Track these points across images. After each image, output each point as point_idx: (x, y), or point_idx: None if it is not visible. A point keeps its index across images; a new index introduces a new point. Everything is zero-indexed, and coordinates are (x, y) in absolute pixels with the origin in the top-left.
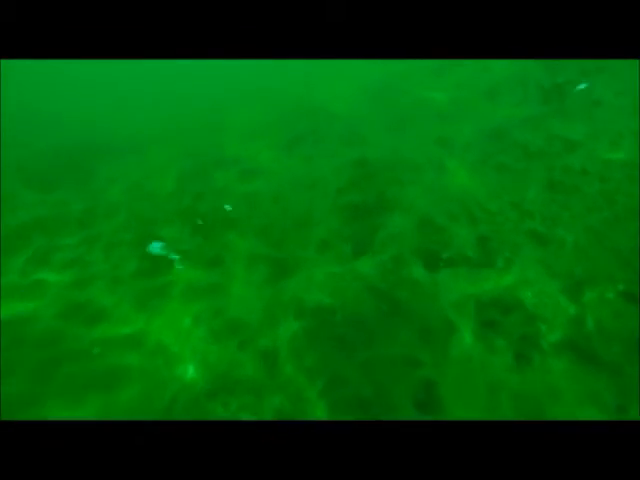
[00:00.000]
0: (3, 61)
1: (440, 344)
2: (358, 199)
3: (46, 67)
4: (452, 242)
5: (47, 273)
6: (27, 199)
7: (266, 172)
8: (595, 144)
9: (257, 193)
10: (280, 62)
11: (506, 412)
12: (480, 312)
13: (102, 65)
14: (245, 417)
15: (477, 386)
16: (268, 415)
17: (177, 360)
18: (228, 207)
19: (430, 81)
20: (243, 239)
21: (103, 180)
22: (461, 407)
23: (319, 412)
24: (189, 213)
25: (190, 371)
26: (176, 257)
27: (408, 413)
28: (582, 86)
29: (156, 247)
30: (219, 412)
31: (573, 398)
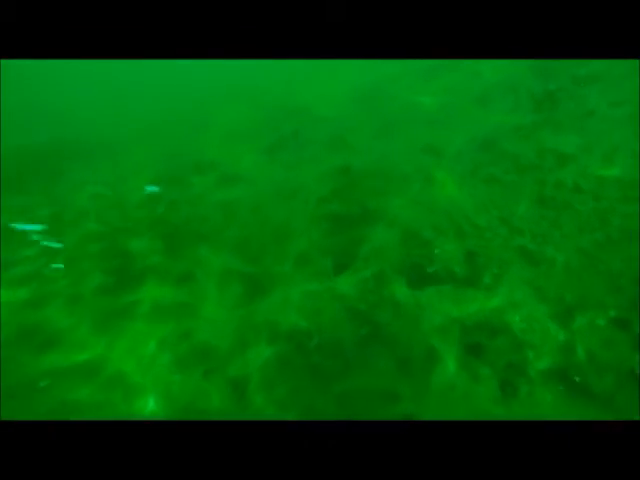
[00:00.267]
0: None
1: (421, 373)
2: (340, 210)
3: (20, 64)
4: (438, 257)
5: None
6: None
7: (246, 178)
8: (588, 158)
9: (235, 201)
10: (267, 61)
11: None
12: (465, 336)
13: (80, 63)
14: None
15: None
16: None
17: (137, 392)
18: (151, 188)
19: (419, 85)
20: (217, 253)
21: (71, 183)
22: None
23: None
24: (161, 223)
25: (150, 404)
26: (61, 266)
27: None
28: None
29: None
30: None
31: None
